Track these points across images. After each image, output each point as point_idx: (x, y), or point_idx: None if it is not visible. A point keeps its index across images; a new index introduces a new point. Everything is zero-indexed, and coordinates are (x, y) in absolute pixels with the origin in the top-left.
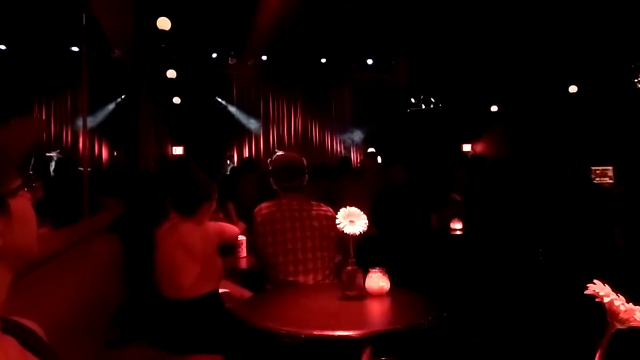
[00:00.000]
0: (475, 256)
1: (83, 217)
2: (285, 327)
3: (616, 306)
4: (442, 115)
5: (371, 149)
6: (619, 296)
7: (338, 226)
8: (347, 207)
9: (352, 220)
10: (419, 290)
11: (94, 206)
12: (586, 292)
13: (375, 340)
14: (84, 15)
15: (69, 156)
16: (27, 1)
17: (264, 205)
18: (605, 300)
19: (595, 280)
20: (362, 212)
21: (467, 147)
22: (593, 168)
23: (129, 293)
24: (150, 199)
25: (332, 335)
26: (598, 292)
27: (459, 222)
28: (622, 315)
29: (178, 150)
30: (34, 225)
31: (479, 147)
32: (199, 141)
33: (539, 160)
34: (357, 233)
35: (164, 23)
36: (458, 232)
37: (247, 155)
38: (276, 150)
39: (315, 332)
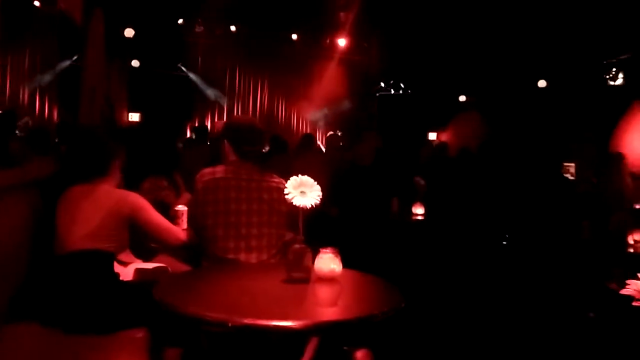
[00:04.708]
0: (436, 242)
1: None
2: (211, 312)
3: None
4: (411, 102)
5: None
6: None
7: (287, 197)
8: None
9: (304, 191)
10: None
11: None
12: (623, 292)
13: (322, 331)
14: None
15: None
16: None
17: (207, 170)
18: None
19: (631, 281)
20: (315, 183)
21: (432, 136)
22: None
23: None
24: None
25: (267, 325)
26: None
27: (420, 206)
28: None
29: (134, 117)
30: None
31: (444, 137)
32: (157, 109)
33: (507, 152)
34: (308, 206)
35: None
36: (419, 217)
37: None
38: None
39: (246, 321)
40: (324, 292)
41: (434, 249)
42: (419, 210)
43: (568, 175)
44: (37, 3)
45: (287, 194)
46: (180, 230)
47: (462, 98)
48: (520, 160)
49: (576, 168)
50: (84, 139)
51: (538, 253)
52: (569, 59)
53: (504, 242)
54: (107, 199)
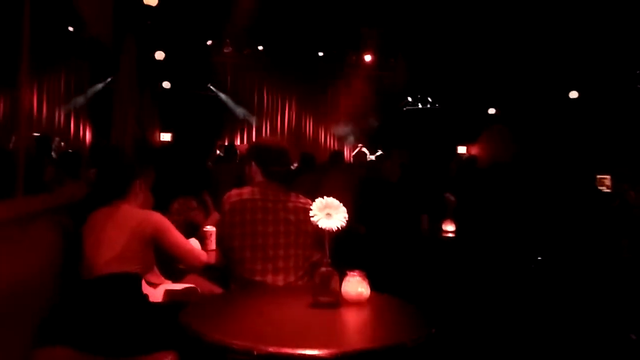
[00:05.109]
0: (468, 260)
1: (14, 195)
2: (236, 340)
3: None
4: (439, 116)
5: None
6: None
7: (312, 219)
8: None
9: (329, 213)
10: (404, 299)
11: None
12: None
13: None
14: None
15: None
16: None
17: (234, 192)
18: None
19: None
20: (341, 204)
21: (462, 149)
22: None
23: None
24: (107, 176)
25: (292, 354)
26: None
27: (451, 223)
28: None
29: (166, 137)
30: None
31: (474, 150)
32: (188, 129)
33: (540, 165)
34: (334, 229)
35: None
36: (450, 235)
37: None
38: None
39: (271, 349)
40: (351, 318)
41: (466, 267)
42: (449, 227)
43: (603, 188)
44: (70, 28)
45: (312, 216)
46: (202, 252)
47: (492, 111)
48: (553, 173)
49: (612, 180)
50: (106, 160)
51: (575, 271)
52: (601, 68)
53: (539, 259)
54: (130, 220)
